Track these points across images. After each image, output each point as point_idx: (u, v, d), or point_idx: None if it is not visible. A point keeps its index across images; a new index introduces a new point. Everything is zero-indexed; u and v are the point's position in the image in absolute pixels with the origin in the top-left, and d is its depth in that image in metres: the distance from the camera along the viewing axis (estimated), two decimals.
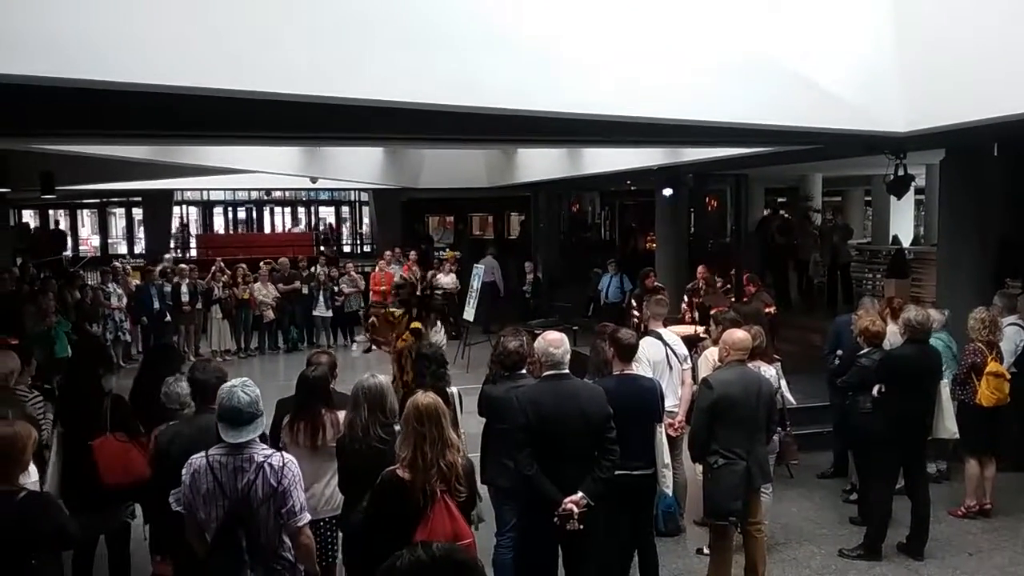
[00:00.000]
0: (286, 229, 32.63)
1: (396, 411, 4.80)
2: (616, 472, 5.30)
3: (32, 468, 4.33)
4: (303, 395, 5.24)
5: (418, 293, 9.14)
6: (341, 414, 5.05)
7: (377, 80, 5.60)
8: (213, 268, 15.95)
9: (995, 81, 6.42)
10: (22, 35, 4.48)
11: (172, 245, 26.48)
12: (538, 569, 4.91)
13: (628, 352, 5.63)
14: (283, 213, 33.24)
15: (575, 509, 4.64)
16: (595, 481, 4.77)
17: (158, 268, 16.06)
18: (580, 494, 4.68)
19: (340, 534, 5.12)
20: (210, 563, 3.88)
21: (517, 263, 19.94)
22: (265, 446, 4.05)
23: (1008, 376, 7.42)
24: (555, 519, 4.64)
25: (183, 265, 16.31)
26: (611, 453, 4.86)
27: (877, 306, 8.45)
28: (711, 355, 6.85)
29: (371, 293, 16.61)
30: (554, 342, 4.93)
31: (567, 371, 4.95)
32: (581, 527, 4.66)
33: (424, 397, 4.16)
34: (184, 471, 3.89)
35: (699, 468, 5.96)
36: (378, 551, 1.98)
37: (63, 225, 29.84)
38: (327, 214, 33.48)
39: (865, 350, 7.05)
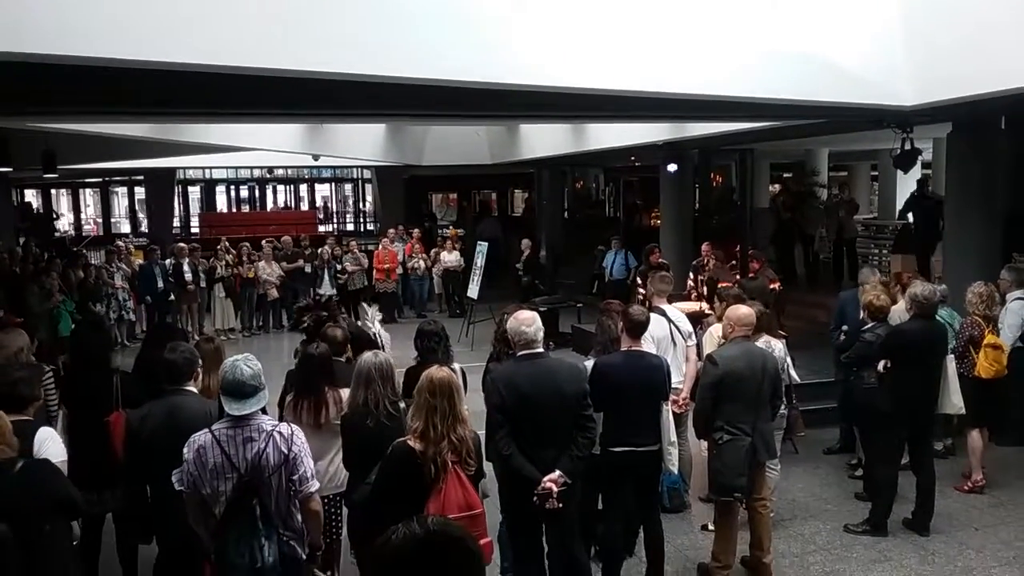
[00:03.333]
0: (286, 206, 32.51)
1: (404, 388, 4.83)
2: (622, 448, 5.31)
3: (60, 447, 4.33)
4: (306, 372, 5.25)
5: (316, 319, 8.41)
6: (343, 391, 5.07)
7: (384, 56, 5.56)
8: (218, 247, 15.97)
9: (1003, 54, 6.37)
10: (21, 14, 4.45)
11: (177, 224, 26.45)
12: (525, 548, 4.90)
13: (638, 328, 5.59)
14: (286, 191, 33.14)
15: (554, 488, 4.62)
16: (573, 459, 4.74)
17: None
18: (558, 472, 4.65)
19: (344, 511, 5.14)
20: (222, 536, 3.89)
21: (520, 239, 19.87)
22: (270, 417, 4.10)
23: (1005, 348, 7.42)
24: (534, 498, 4.62)
25: (182, 244, 16.28)
26: (588, 431, 4.83)
27: (878, 276, 8.40)
28: (716, 331, 6.82)
29: (375, 271, 16.61)
30: (526, 320, 4.86)
31: (541, 349, 4.90)
32: (560, 505, 4.65)
33: (439, 371, 4.21)
34: (186, 449, 3.90)
35: (704, 445, 5.96)
36: (388, 522, 1.98)
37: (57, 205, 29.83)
38: (329, 192, 33.36)
39: (869, 325, 7.01)
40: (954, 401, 6.85)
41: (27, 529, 3.78)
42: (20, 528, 3.74)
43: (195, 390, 4.64)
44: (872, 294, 7.10)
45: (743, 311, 5.82)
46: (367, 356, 4.80)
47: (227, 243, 16.22)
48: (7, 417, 4.02)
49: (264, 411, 4.06)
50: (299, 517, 4.05)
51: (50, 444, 4.28)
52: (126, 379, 5.52)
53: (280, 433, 3.92)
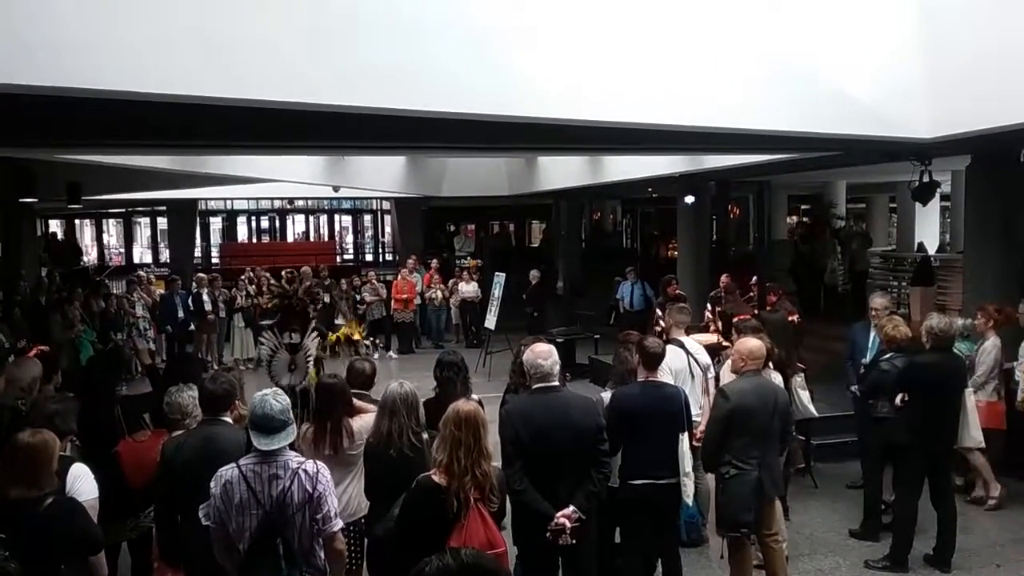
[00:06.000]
0: (302, 237, 32.74)
1: (425, 419, 4.83)
2: (640, 481, 5.28)
3: (92, 484, 4.33)
4: (323, 402, 5.27)
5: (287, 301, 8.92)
6: (355, 421, 5.13)
7: (401, 90, 5.63)
8: (242, 277, 16.10)
9: (1021, 86, 6.35)
10: (39, 47, 4.54)
11: (198, 255, 26.67)
12: None
13: (654, 360, 5.59)
14: (308, 222, 33.39)
15: (567, 524, 4.58)
16: (587, 495, 4.70)
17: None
18: (572, 508, 4.61)
19: (365, 540, 5.14)
20: (245, 572, 3.90)
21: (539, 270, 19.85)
22: (297, 454, 4.11)
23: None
24: (547, 534, 4.59)
25: (202, 274, 16.40)
26: (603, 466, 4.80)
27: (888, 301, 8.36)
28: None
29: (393, 301, 16.67)
30: (542, 354, 4.84)
31: (556, 383, 4.88)
32: (574, 542, 4.61)
33: (466, 404, 4.20)
34: (213, 484, 3.90)
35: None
36: (411, 557, 1.99)
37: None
38: (348, 223, 33.60)
39: (888, 355, 6.98)
40: (973, 435, 6.79)
41: (44, 568, 3.81)
42: (36, 567, 3.77)
43: (230, 420, 4.64)
44: (890, 324, 7.08)
45: (753, 344, 5.79)
46: (392, 386, 4.83)
47: (252, 273, 16.33)
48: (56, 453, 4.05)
49: (292, 446, 4.08)
50: (322, 554, 4.04)
51: (82, 482, 4.27)
52: (126, 405, 5.57)
53: (305, 471, 3.91)
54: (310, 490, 3.88)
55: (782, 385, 6.36)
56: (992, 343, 7.74)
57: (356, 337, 7.38)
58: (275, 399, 3.94)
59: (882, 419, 6.98)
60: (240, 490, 3.85)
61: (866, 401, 7.27)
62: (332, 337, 7.55)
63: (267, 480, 3.86)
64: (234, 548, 3.92)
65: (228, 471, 3.90)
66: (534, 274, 17.13)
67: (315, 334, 8.08)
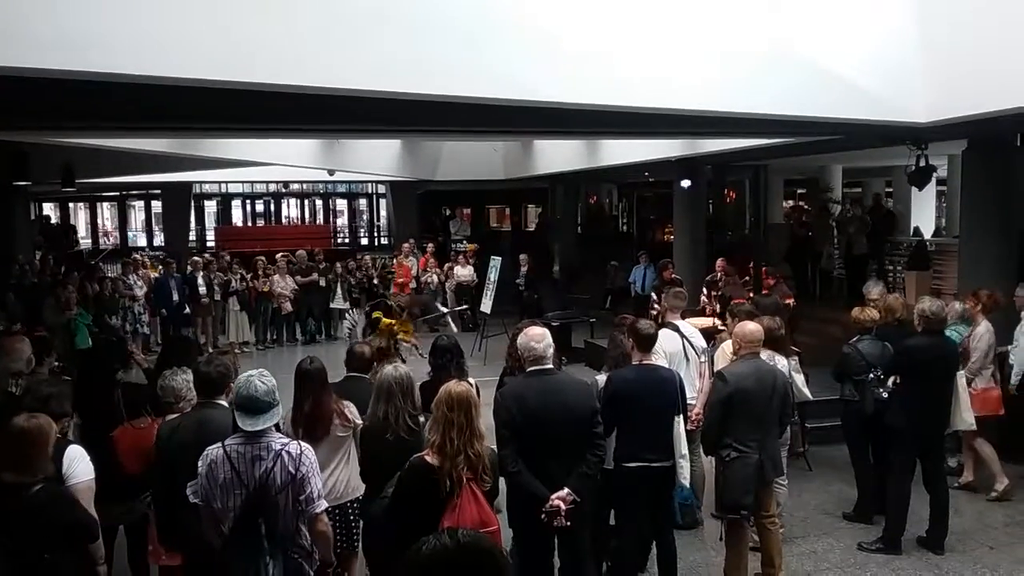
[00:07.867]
0: (297, 220, 32.67)
1: (421, 402, 4.84)
2: (634, 464, 5.30)
3: (88, 466, 4.30)
4: (304, 387, 5.23)
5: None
6: (347, 405, 5.16)
7: (397, 73, 5.61)
8: (235, 261, 16.09)
9: (1019, 71, 6.35)
10: (38, 29, 4.52)
11: (193, 238, 26.60)
12: (533, 565, 4.87)
13: (647, 342, 5.60)
14: (303, 205, 33.29)
15: (562, 506, 4.60)
16: (582, 477, 4.71)
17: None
18: (566, 490, 4.63)
19: (359, 524, 5.15)
20: (228, 552, 3.91)
21: (535, 254, 19.83)
22: (281, 435, 4.11)
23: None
24: (542, 516, 4.61)
25: (197, 258, 16.36)
26: (598, 448, 4.82)
27: (882, 288, 8.41)
28: (728, 348, 6.82)
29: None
30: (536, 336, 4.85)
31: (551, 365, 4.89)
32: (568, 523, 4.63)
33: (457, 385, 4.22)
34: (200, 462, 3.92)
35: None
36: (404, 536, 2.01)
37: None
38: (343, 207, 33.52)
39: (855, 338, 7.09)
40: (965, 418, 6.82)
41: (26, 556, 3.79)
42: (17, 555, 3.75)
43: (225, 404, 4.61)
44: (857, 307, 7.30)
45: (750, 328, 5.82)
46: (388, 370, 4.82)
47: (230, 260, 16.30)
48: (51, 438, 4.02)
49: (277, 427, 4.09)
50: (307, 535, 4.05)
51: (78, 464, 4.24)
52: (126, 391, 5.56)
53: (289, 453, 3.91)
54: (293, 471, 3.89)
55: (783, 365, 6.40)
56: (984, 328, 7.74)
57: (402, 337, 7.22)
58: (260, 380, 3.93)
59: (849, 401, 7.06)
60: (224, 470, 3.87)
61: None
62: (385, 321, 7.52)
63: (250, 461, 3.87)
64: (220, 526, 3.93)
65: (214, 450, 3.92)
66: (523, 258, 17.21)
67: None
